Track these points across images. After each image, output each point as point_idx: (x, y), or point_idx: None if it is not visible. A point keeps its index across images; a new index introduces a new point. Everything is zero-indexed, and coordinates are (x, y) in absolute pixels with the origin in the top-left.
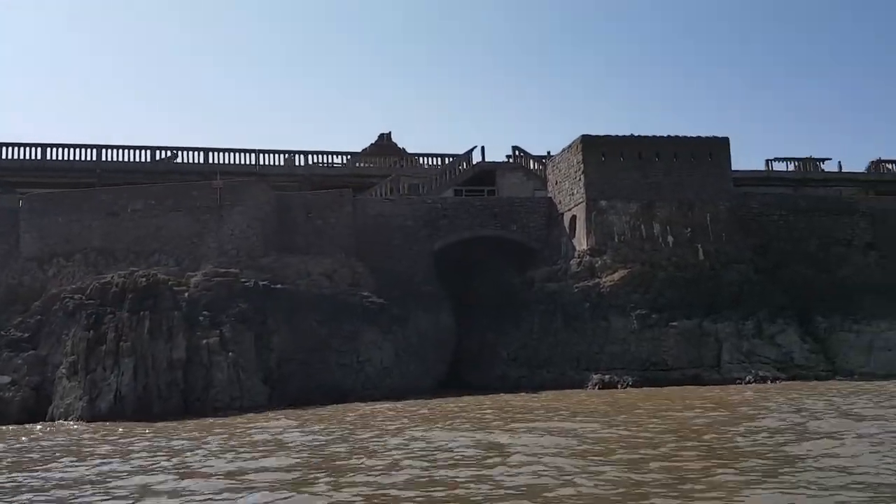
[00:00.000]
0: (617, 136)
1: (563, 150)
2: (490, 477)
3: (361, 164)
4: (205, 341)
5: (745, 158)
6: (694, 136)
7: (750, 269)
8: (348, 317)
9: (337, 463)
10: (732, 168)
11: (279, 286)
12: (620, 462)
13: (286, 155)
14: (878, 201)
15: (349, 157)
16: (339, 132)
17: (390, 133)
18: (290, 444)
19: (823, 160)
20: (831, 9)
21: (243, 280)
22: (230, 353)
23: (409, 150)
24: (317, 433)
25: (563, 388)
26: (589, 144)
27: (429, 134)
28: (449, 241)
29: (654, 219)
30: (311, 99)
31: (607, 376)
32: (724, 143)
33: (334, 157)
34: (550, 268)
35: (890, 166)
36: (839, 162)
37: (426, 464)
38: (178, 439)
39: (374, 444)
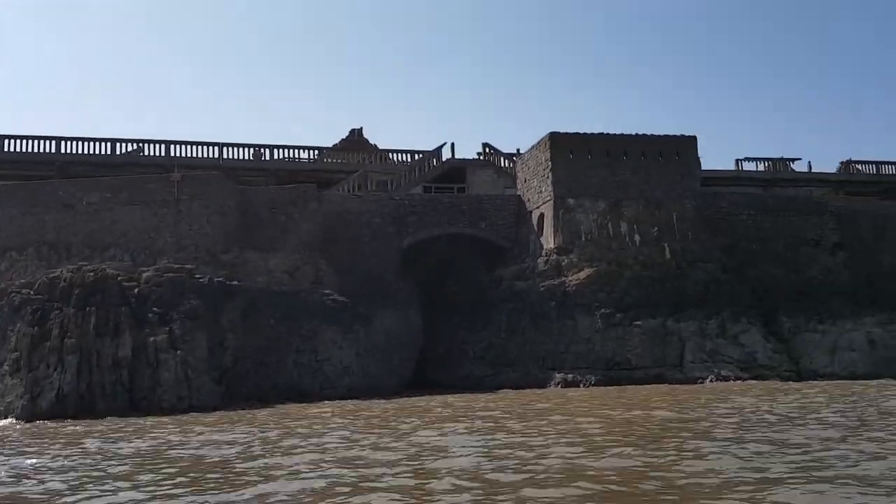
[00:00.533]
0: (585, 133)
1: (532, 147)
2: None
3: (330, 160)
4: (152, 339)
5: (715, 158)
6: (662, 134)
7: (717, 268)
8: (308, 315)
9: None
10: (703, 168)
11: (235, 283)
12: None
13: (252, 149)
14: (847, 202)
15: (317, 151)
16: (312, 128)
17: (362, 129)
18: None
19: (793, 160)
20: (806, 9)
21: (198, 276)
22: (178, 352)
23: (382, 147)
24: (223, 441)
25: (527, 388)
26: (557, 142)
27: (403, 131)
28: (417, 238)
29: (622, 217)
30: (282, 94)
31: (570, 375)
32: (691, 141)
33: (302, 151)
34: (518, 266)
35: (860, 167)
36: (809, 162)
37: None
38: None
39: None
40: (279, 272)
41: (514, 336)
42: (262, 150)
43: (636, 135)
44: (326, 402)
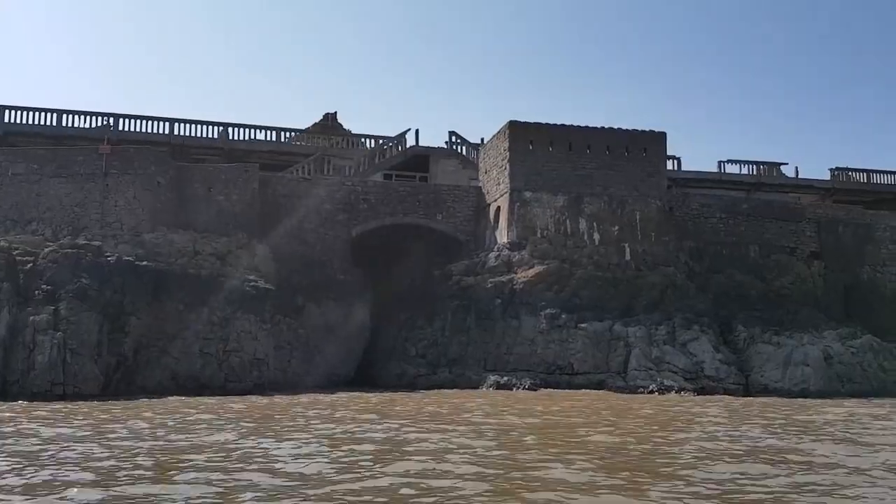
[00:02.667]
0: (547, 123)
1: (493, 136)
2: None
3: (300, 143)
4: (32, 318)
5: (698, 159)
6: (629, 128)
7: (678, 272)
8: (223, 302)
9: None
10: (684, 168)
11: (145, 263)
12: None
13: (206, 126)
14: (828, 209)
15: (276, 133)
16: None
17: (336, 113)
18: None
19: (780, 164)
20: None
21: (107, 255)
22: (58, 333)
23: (356, 132)
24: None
25: (461, 389)
26: (516, 131)
27: (383, 118)
28: (368, 227)
29: (581, 214)
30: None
31: (505, 378)
32: (659, 137)
33: (260, 132)
34: (470, 261)
35: (851, 175)
36: (796, 167)
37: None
38: None
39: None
40: (207, 255)
41: (458, 335)
42: (215, 127)
43: (601, 128)
44: (232, 396)
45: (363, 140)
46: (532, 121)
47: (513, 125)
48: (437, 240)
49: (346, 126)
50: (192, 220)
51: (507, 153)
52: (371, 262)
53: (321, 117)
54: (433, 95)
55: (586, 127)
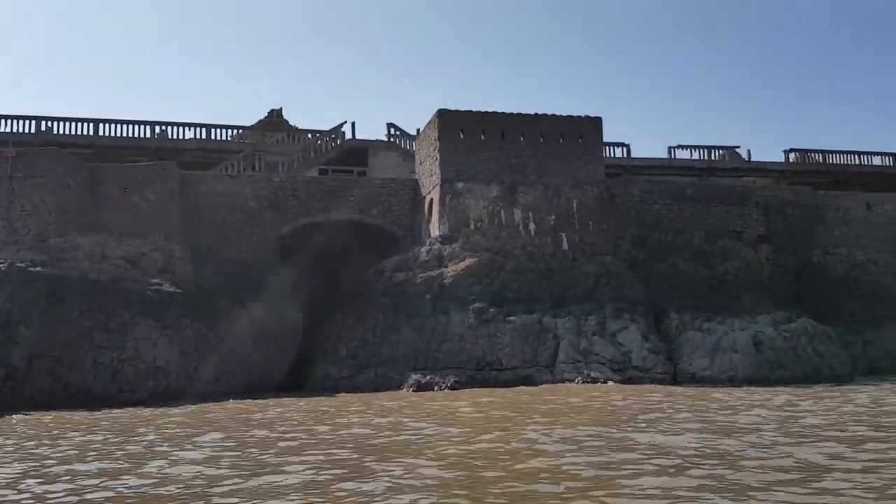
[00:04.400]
0: (477, 111)
1: (426, 126)
2: None
3: (236, 138)
4: None
5: (650, 145)
6: (563, 114)
7: (617, 260)
8: (122, 307)
9: None
10: (633, 155)
11: (39, 270)
12: None
13: (131, 126)
14: (776, 191)
15: (209, 129)
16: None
17: (281, 109)
18: None
19: (732, 148)
20: None
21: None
22: None
23: (302, 128)
24: None
25: (383, 390)
26: (446, 120)
27: (328, 114)
28: (298, 225)
29: (516, 204)
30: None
31: (428, 377)
32: (595, 122)
33: (188, 129)
34: (402, 256)
35: (809, 156)
36: (748, 151)
37: None
38: None
39: None
40: (117, 258)
41: (389, 333)
42: (142, 126)
43: (534, 114)
44: (127, 408)
45: (309, 136)
46: (465, 109)
47: (442, 114)
48: (375, 235)
49: (292, 122)
50: (108, 222)
51: (437, 143)
52: (306, 260)
53: (266, 113)
54: (375, 88)
55: (519, 114)
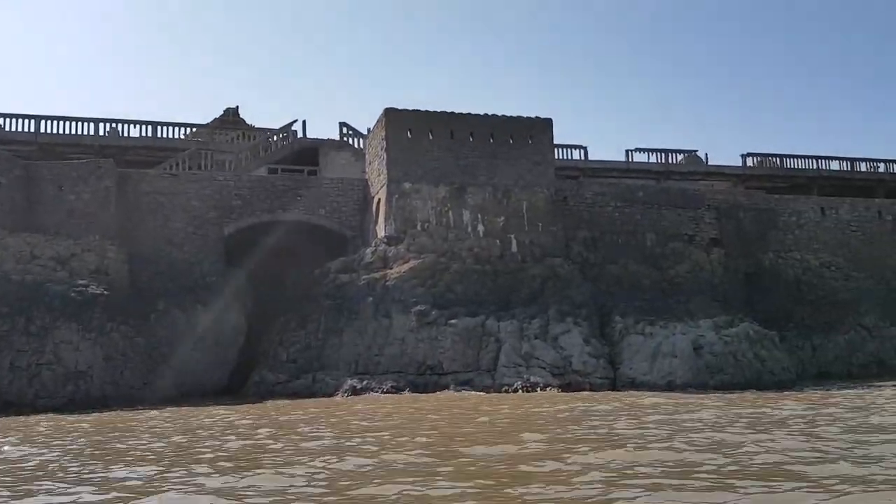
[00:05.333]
0: (425, 110)
1: (374, 125)
2: None
3: (200, 139)
4: None
5: (609, 148)
6: (513, 115)
7: (566, 262)
8: (43, 310)
9: None
10: (591, 158)
11: None
12: None
13: (75, 123)
14: (728, 195)
15: (156, 127)
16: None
17: (237, 107)
18: None
19: (689, 152)
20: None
21: None
22: None
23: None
24: None
25: (319, 396)
26: (393, 119)
27: (286, 112)
28: (242, 225)
29: (465, 205)
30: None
31: (364, 382)
32: (546, 124)
33: (133, 127)
34: (347, 258)
35: (768, 160)
36: (706, 154)
37: None
38: None
39: None
40: (47, 259)
41: (332, 337)
42: (84, 124)
43: (484, 114)
44: (41, 414)
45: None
46: (411, 108)
47: (389, 112)
48: (325, 237)
49: (249, 122)
50: (42, 221)
51: (384, 142)
52: (253, 262)
53: (222, 111)
54: (329, 87)
55: (468, 114)
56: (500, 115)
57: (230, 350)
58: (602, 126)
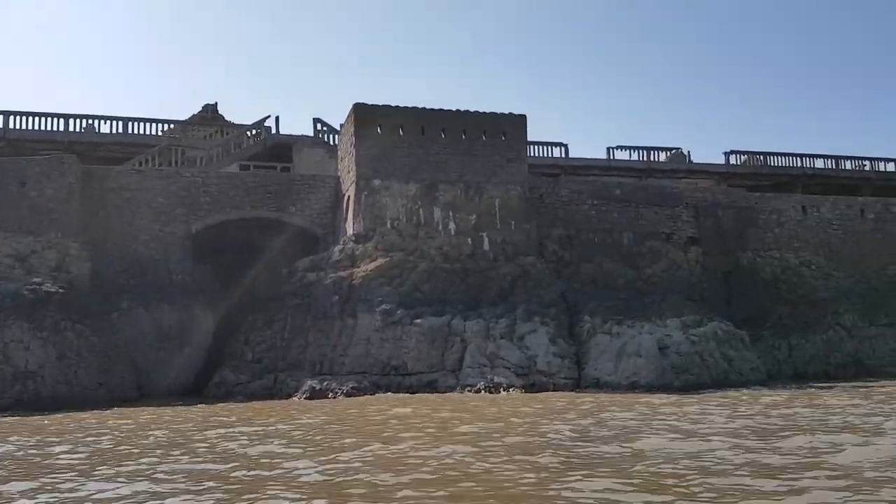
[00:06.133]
0: (396, 106)
1: (344, 121)
2: None
3: (182, 135)
4: None
5: (591, 147)
6: (487, 111)
7: (539, 261)
8: None
9: None
10: (572, 156)
11: None
12: None
13: (43, 119)
14: (707, 193)
15: (126, 122)
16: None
17: (216, 104)
18: None
19: (671, 150)
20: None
21: None
22: None
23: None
24: None
25: (279, 397)
26: (362, 115)
27: (264, 108)
28: (210, 222)
29: (436, 202)
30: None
31: (325, 383)
32: (520, 120)
33: (104, 122)
34: (316, 256)
35: (752, 158)
36: (688, 152)
37: None
38: None
39: None
40: (4, 256)
41: (298, 336)
42: (55, 119)
43: (456, 110)
44: None
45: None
46: (382, 103)
47: (358, 108)
48: (296, 234)
49: (228, 118)
50: (4, 218)
51: (353, 138)
52: (222, 260)
53: (200, 108)
54: (304, 84)
55: (440, 110)
56: (472, 110)
57: (196, 350)
58: (585, 124)
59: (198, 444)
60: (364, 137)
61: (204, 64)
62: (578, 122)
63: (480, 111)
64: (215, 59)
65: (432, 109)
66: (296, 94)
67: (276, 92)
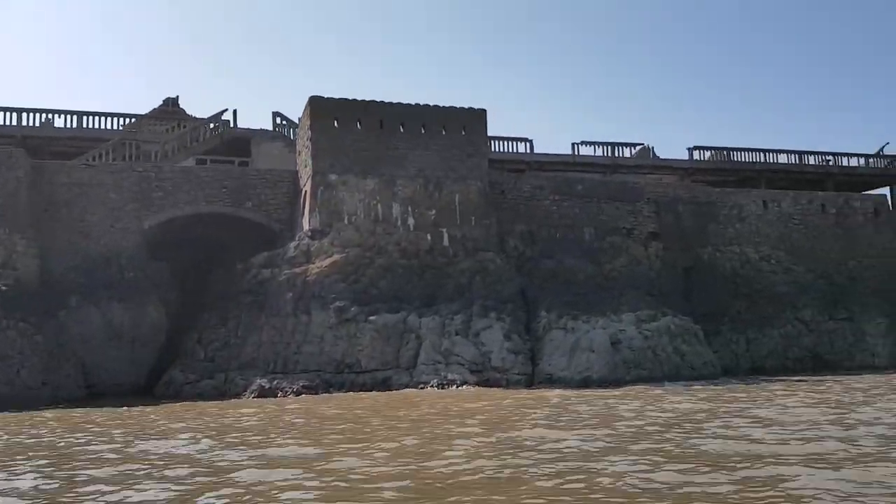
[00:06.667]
0: (353, 99)
1: (302, 115)
2: None
3: (142, 129)
4: None
5: (558, 143)
6: (446, 105)
7: (498, 256)
8: None
9: None
10: (537, 151)
11: None
12: None
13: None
14: (668, 188)
15: (80, 117)
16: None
17: (178, 98)
18: None
19: (635, 145)
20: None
21: None
22: None
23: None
24: None
25: (230, 397)
26: (318, 108)
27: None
28: (163, 217)
29: (395, 198)
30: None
31: (274, 382)
32: (480, 114)
33: (59, 116)
34: (271, 252)
35: (718, 153)
36: (652, 148)
37: None
38: None
39: None
40: None
41: (252, 334)
42: (9, 114)
43: (415, 104)
44: None
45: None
46: (338, 96)
47: (314, 101)
48: (254, 230)
49: (190, 112)
50: None
51: (310, 132)
52: (178, 256)
53: (161, 102)
54: (263, 77)
55: (399, 103)
56: (431, 105)
57: (148, 348)
58: (553, 121)
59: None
60: (320, 131)
61: (168, 58)
62: (546, 119)
63: (440, 105)
64: (179, 53)
65: (391, 103)
66: (261, 89)
67: (239, 86)
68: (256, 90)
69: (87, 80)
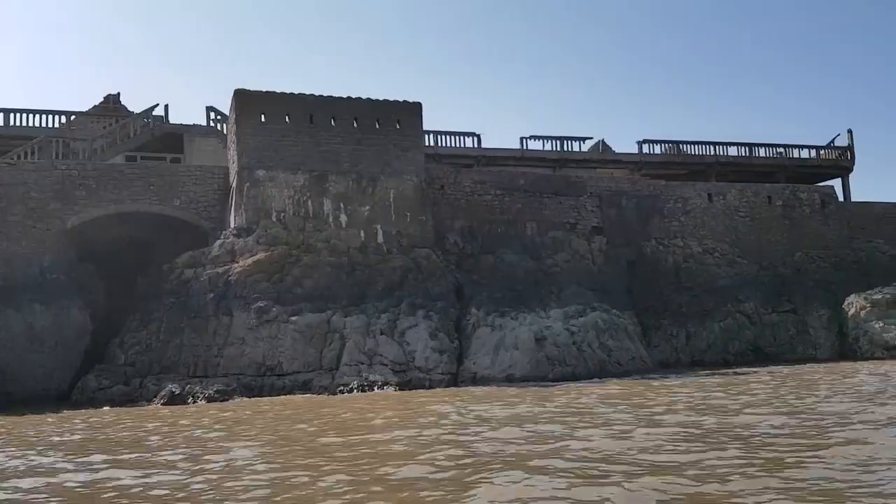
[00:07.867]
0: (281, 92)
1: (229, 109)
2: None
3: (72, 124)
4: None
5: (509, 138)
6: (380, 98)
7: (436, 252)
8: None
9: None
10: (485, 146)
11: None
12: None
13: None
14: (610, 182)
15: (7, 114)
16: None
17: (119, 94)
18: None
19: (583, 139)
20: None
21: None
22: None
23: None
24: None
25: (142, 402)
26: (244, 101)
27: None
28: (87, 217)
29: (326, 194)
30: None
31: (186, 387)
32: (415, 108)
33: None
34: (195, 252)
35: (667, 147)
36: (601, 141)
37: None
38: None
39: None
40: None
41: (173, 337)
42: None
43: (347, 97)
44: None
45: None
46: (266, 90)
47: (240, 94)
48: (185, 229)
49: (131, 108)
50: None
51: (235, 126)
52: (104, 257)
53: (101, 98)
54: (197, 71)
55: (330, 97)
56: (364, 98)
57: (72, 352)
58: (503, 116)
59: None
60: (246, 125)
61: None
62: (495, 114)
63: (372, 98)
64: (121, 49)
65: (321, 96)
66: (203, 84)
67: (180, 79)
68: (200, 85)
69: (24, 78)
